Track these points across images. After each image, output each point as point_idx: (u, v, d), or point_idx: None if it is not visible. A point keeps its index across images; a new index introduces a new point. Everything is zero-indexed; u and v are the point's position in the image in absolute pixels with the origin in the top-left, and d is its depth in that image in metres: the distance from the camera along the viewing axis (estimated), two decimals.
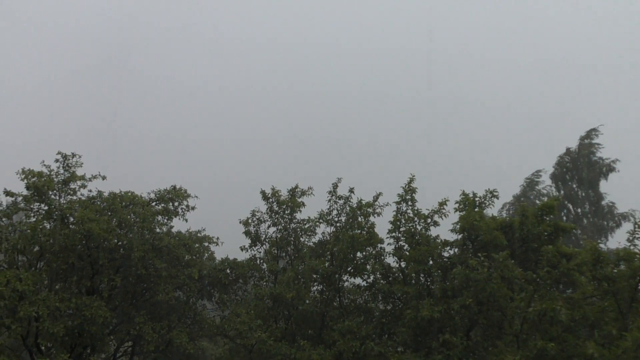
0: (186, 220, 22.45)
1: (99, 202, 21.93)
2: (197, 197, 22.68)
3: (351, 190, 22.52)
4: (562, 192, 36.32)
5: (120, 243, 21.08)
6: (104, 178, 22.45)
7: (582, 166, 36.76)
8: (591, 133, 37.53)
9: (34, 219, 21.26)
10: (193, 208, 22.62)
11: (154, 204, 22.41)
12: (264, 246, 23.21)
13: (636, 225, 16.68)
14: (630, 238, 16.73)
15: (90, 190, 22.44)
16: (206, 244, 22.35)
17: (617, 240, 32.77)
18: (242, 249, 23.03)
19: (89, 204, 21.45)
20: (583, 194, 36.18)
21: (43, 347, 20.58)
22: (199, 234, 22.37)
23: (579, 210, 36.18)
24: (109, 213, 21.31)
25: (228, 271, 22.33)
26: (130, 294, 21.69)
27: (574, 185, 36.66)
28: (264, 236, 23.15)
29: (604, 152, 36.93)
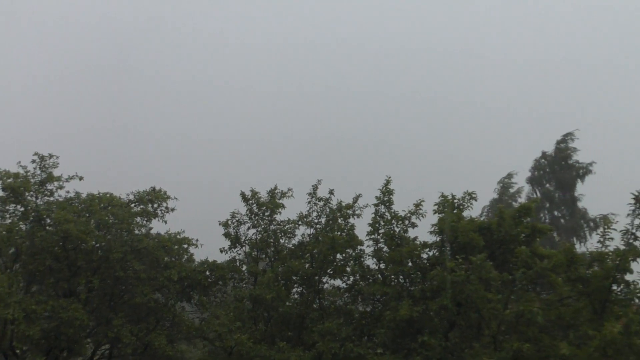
0: (165, 222, 22.40)
1: (76, 204, 21.75)
2: (176, 199, 22.63)
3: (331, 192, 22.61)
4: (538, 194, 36.91)
5: (98, 245, 20.92)
6: (81, 179, 22.30)
7: (559, 169, 37.40)
8: (567, 137, 38.21)
9: (10, 221, 21.01)
10: (172, 210, 22.56)
11: (132, 205, 22.28)
12: (244, 248, 23.19)
13: (606, 227, 16.92)
14: (602, 239, 16.97)
15: (68, 191, 22.30)
16: (185, 245, 22.28)
17: (592, 242, 33.57)
18: (221, 251, 22.98)
19: (66, 205, 21.26)
20: (559, 196, 36.81)
21: (18, 351, 20.36)
22: (178, 236, 22.29)
23: (556, 212, 36.78)
24: (87, 214, 21.14)
25: (208, 273, 22.25)
26: (108, 296, 21.52)
27: (551, 188, 37.26)
28: (243, 238, 23.12)
29: (580, 155, 37.66)
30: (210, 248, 23.19)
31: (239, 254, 23.22)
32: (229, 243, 23.01)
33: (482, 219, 26.42)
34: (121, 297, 21.73)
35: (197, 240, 22.56)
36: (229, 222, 23.04)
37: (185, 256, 22.51)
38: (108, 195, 22.00)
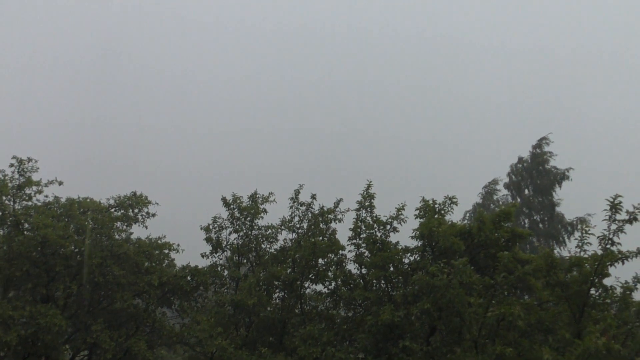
0: (146, 227, 22.23)
1: (55, 208, 21.49)
2: (157, 204, 22.48)
3: (313, 197, 22.64)
4: (518, 200, 37.31)
5: (77, 250, 20.67)
6: (60, 183, 22.03)
7: (536, 174, 37.85)
8: (542, 142, 38.62)
9: None
10: (153, 215, 22.40)
11: (113, 210, 22.08)
12: (225, 253, 23.11)
13: (584, 232, 17.14)
14: (580, 244, 17.18)
15: (47, 196, 22.02)
16: (166, 250, 22.12)
17: (571, 247, 34.04)
18: (202, 256, 22.89)
19: (45, 209, 21.00)
20: (538, 202, 37.24)
21: None
22: (159, 241, 22.13)
23: (536, 217, 37.20)
24: (66, 219, 20.90)
25: (189, 278, 22.12)
26: (87, 302, 21.26)
27: (529, 193, 37.69)
28: (225, 243, 23.06)
29: (557, 160, 38.15)
30: (192, 253, 23.10)
31: (221, 259, 23.16)
32: (210, 248, 22.96)
33: (464, 223, 26.65)
34: (100, 303, 21.50)
35: (178, 245, 22.44)
36: (211, 227, 22.97)
37: (166, 261, 22.35)
38: (88, 199, 21.78)
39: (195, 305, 22.75)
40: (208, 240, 22.86)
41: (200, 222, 23.07)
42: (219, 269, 22.96)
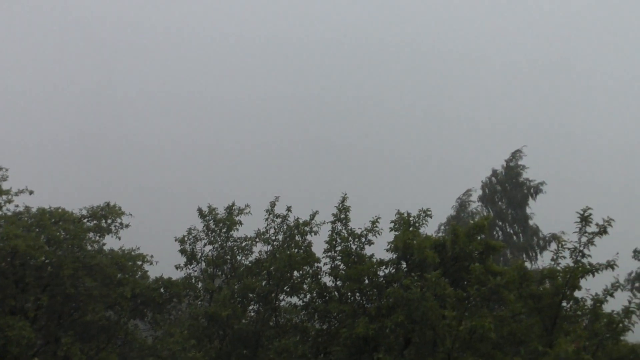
0: (119, 238, 21.95)
1: (26, 218, 21.14)
2: (131, 214, 22.23)
3: (288, 209, 22.64)
4: (491, 212, 37.60)
5: (48, 260, 20.33)
6: (31, 193, 21.72)
7: (510, 187, 38.29)
8: (516, 154, 39.09)
9: None
10: (127, 226, 22.14)
11: (85, 220, 21.79)
12: (200, 265, 22.96)
13: (559, 245, 17.41)
14: (554, 257, 17.44)
15: (17, 205, 21.65)
16: (140, 262, 21.87)
17: (544, 260, 34.52)
18: (177, 268, 22.72)
19: (15, 219, 20.65)
20: (511, 214, 37.66)
21: None
22: (132, 252, 21.87)
23: (510, 230, 37.58)
24: (37, 229, 20.54)
25: (162, 290, 21.86)
26: (58, 314, 20.89)
27: (503, 206, 38.10)
28: (199, 254, 22.91)
29: (529, 173, 38.64)
30: (166, 265, 22.87)
31: (195, 271, 22.99)
32: (184, 260, 22.78)
33: (438, 235, 26.84)
34: (71, 315, 21.13)
35: (152, 256, 22.18)
36: (185, 239, 22.84)
37: (140, 273, 22.06)
38: (60, 210, 21.44)
39: (168, 317, 22.47)
40: (182, 251, 22.71)
41: (175, 234, 22.92)
42: (193, 280, 22.80)
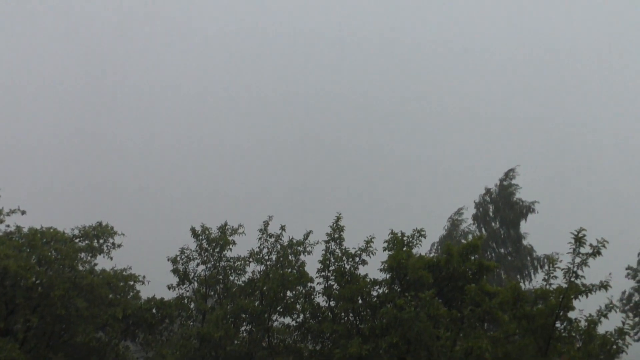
0: (111, 258, 21.82)
1: (17, 238, 21.00)
2: (123, 234, 22.12)
3: (282, 228, 22.56)
4: (484, 231, 37.54)
5: (39, 281, 20.15)
6: (23, 213, 21.58)
7: (503, 207, 38.27)
8: (509, 174, 39.14)
9: None
10: (119, 246, 22.03)
11: (77, 240, 21.65)
12: (192, 285, 22.76)
13: (551, 265, 17.37)
14: (546, 277, 17.40)
15: (8, 225, 21.54)
16: (132, 282, 21.73)
17: (537, 280, 34.43)
18: (169, 288, 22.49)
19: (5, 239, 20.53)
20: (505, 234, 37.59)
21: None
22: (124, 272, 21.73)
23: (502, 250, 37.51)
24: (28, 249, 20.41)
25: (154, 311, 21.69)
26: (47, 335, 20.65)
27: (496, 226, 38.04)
28: (192, 274, 22.73)
29: (522, 193, 38.67)
30: (158, 285, 22.69)
31: (187, 291, 22.78)
32: (177, 279, 22.59)
33: (431, 255, 26.74)
34: (61, 336, 20.91)
35: (144, 277, 22.07)
36: (178, 258, 22.65)
37: (131, 293, 21.94)
38: (51, 229, 21.33)
39: (160, 338, 22.26)
40: (175, 271, 22.51)
41: (168, 253, 22.75)
42: (185, 301, 22.58)
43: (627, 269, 35.15)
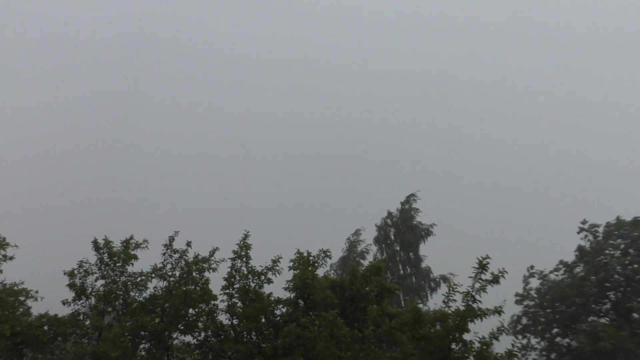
0: (1, 271, 20.41)
1: None
2: (16, 246, 20.81)
3: (188, 244, 22.17)
4: (384, 254, 38.51)
5: None
6: None
7: (404, 230, 39.57)
8: (410, 198, 40.54)
9: None
10: (11, 258, 20.69)
11: None
12: (90, 300, 21.75)
13: (451, 288, 18.16)
14: (446, 300, 18.15)
15: None
16: (23, 297, 20.43)
17: (435, 301, 35.76)
18: (64, 303, 21.34)
19: None
20: (404, 256, 38.79)
21: None
22: (14, 287, 20.41)
23: (402, 271, 38.66)
24: None
25: (46, 328, 20.49)
26: None
27: (397, 248, 39.20)
28: (90, 289, 21.73)
29: (421, 217, 40.13)
30: (53, 300, 21.45)
31: (84, 307, 21.72)
32: (73, 295, 21.51)
33: (336, 276, 27.18)
34: None
35: (36, 292, 20.83)
36: (76, 272, 21.60)
37: (21, 309, 20.60)
38: None
39: (50, 357, 21.04)
40: (71, 286, 21.43)
41: (66, 267, 21.62)
42: (81, 317, 21.51)
43: (515, 295, 37.33)
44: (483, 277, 16.84)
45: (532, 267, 38.00)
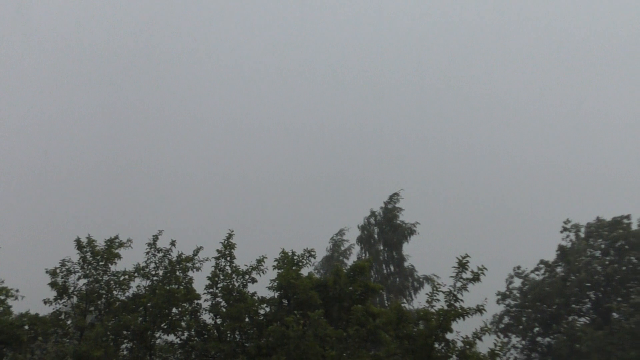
0: None
1: None
2: None
3: (172, 243, 22.06)
4: (367, 254, 38.54)
5: None
6: None
7: (387, 229, 39.62)
8: (393, 197, 40.56)
9: None
10: None
11: None
12: (72, 299, 21.55)
13: (434, 288, 18.30)
14: (429, 300, 18.29)
15: None
16: (3, 296, 20.19)
17: (419, 300, 35.95)
18: (45, 302, 21.10)
19: None
20: (387, 256, 38.86)
21: None
22: None
23: (385, 271, 38.76)
24: None
25: (26, 327, 20.25)
26: None
27: (380, 247, 39.26)
28: (72, 288, 21.52)
29: (405, 216, 40.22)
30: (35, 299, 21.22)
31: (66, 306, 21.51)
32: (55, 293, 21.29)
33: (320, 275, 27.21)
34: None
35: (17, 290, 20.58)
36: (58, 271, 21.37)
37: (1, 308, 20.35)
38: None
39: (31, 357, 20.80)
40: (53, 285, 21.20)
41: (48, 265, 21.39)
42: (62, 317, 21.29)
43: (497, 294, 37.61)
44: (464, 275, 17.00)
45: (518, 267, 38.40)
